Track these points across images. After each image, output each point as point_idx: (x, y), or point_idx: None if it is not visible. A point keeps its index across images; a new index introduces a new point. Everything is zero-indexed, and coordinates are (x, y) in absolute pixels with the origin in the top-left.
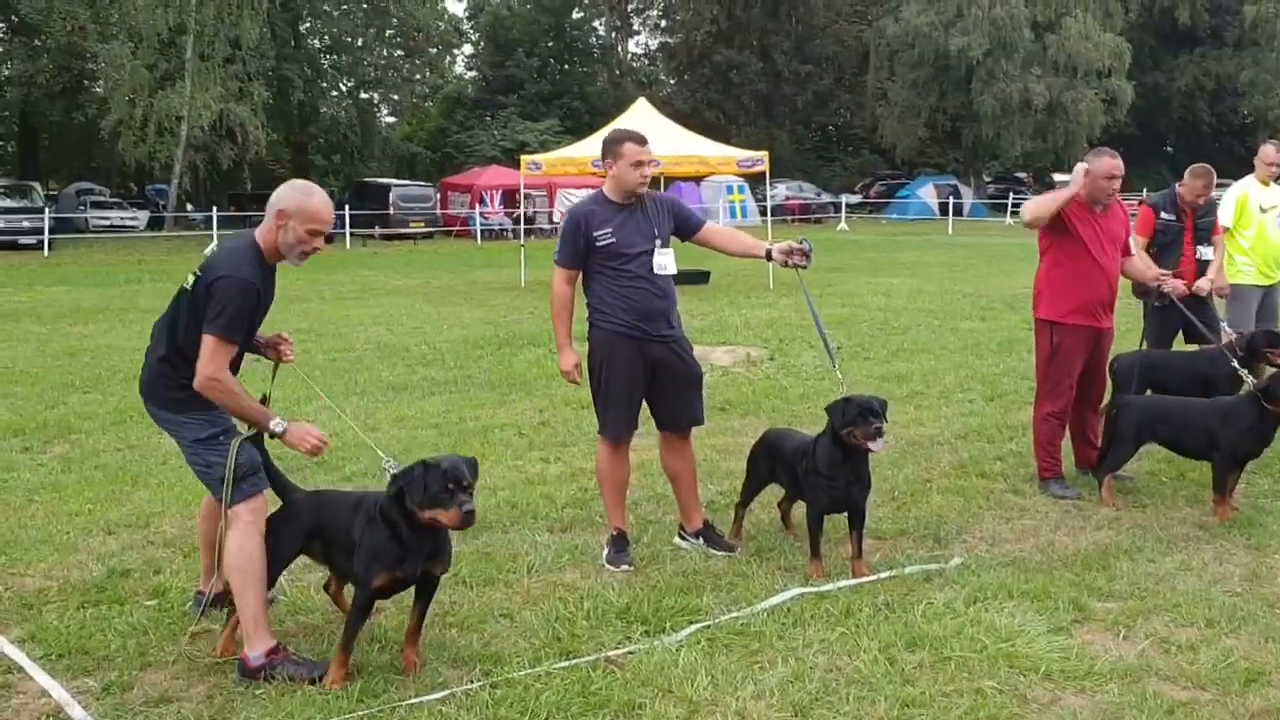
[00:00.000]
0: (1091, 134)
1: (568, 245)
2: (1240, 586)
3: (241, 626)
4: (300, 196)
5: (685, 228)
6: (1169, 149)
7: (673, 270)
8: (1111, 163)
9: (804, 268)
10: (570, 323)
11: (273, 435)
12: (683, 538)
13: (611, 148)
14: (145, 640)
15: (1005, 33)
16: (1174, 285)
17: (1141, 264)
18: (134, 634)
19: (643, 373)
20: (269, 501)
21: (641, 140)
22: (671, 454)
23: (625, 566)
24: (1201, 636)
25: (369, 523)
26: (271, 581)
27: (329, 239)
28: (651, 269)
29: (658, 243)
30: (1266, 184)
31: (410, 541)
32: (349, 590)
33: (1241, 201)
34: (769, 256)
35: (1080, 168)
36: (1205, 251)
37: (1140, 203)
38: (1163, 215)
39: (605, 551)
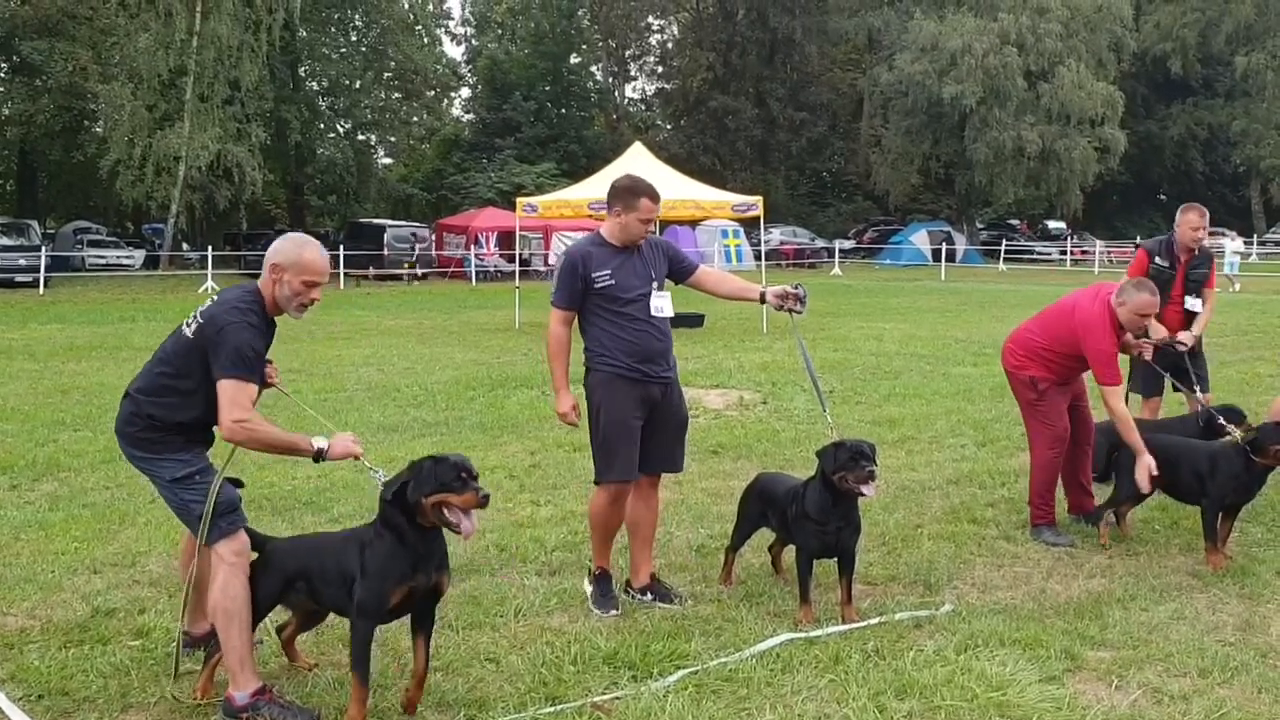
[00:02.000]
0: (1085, 181)
1: (565, 286)
2: (1233, 636)
3: (227, 666)
4: (294, 249)
5: (679, 271)
6: (1162, 197)
7: (669, 313)
8: (1150, 300)
9: (799, 313)
10: (567, 364)
11: (319, 458)
12: (628, 593)
13: (626, 198)
14: (127, 681)
15: (998, 81)
16: (1148, 349)
17: (1129, 339)
18: (116, 675)
19: (641, 415)
20: None
21: (657, 197)
22: (639, 500)
23: (613, 612)
24: (1194, 687)
25: (368, 545)
26: (253, 627)
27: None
28: (649, 311)
29: (654, 285)
30: None
31: (419, 546)
32: (302, 640)
33: None
34: (763, 300)
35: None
36: (1193, 303)
37: (1136, 246)
38: (1156, 260)
39: (590, 591)
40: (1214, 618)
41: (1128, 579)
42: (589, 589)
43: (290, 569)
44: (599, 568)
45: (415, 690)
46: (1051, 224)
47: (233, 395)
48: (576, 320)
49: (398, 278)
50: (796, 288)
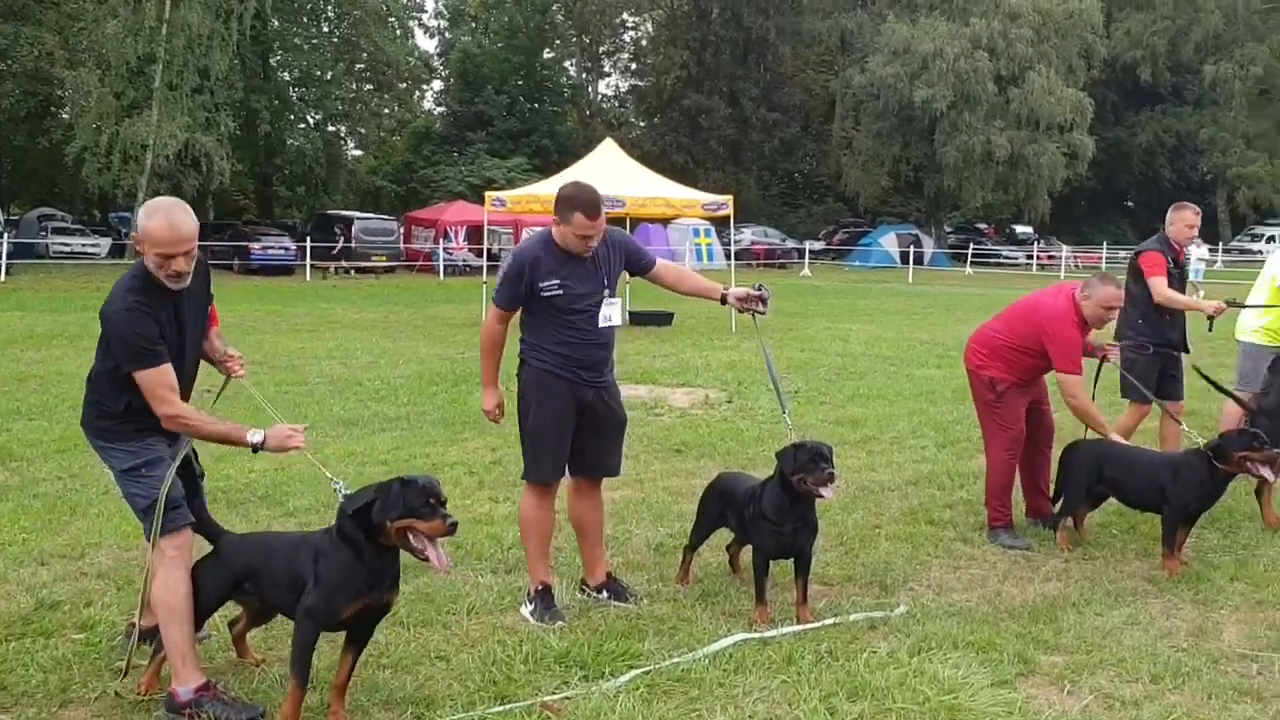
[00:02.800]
0: (1052, 187)
1: (509, 289)
2: (1186, 642)
3: (169, 662)
4: (143, 220)
5: (638, 266)
6: (1130, 203)
7: (619, 322)
8: (1115, 293)
9: (761, 313)
10: (498, 363)
11: (256, 449)
12: (584, 591)
13: (562, 208)
14: (68, 675)
15: (969, 85)
16: (1112, 352)
17: (1090, 339)
18: (57, 669)
19: (573, 415)
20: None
21: (594, 214)
22: (582, 502)
23: (560, 623)
24: (1145, 693)
25: (324, 554)
26: (200, 623)
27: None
28: (598, 322)
29: (606, 293)
30: None
31: (376, 563)
32: (251, 636)
33: (1274, 280)
34: (724, 300)
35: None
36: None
37: (1140, 254)
38: (1169, 261)
39: (530, 608)
40: (1167, 623)
41: (1083, 583)
42: (527, 610)
43: (239, 567)
44: (539, 584)
45: (336, 702)
46: (1019, 228)
47: (149, 388)
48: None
49: (365, 271)
50: (759, 289)
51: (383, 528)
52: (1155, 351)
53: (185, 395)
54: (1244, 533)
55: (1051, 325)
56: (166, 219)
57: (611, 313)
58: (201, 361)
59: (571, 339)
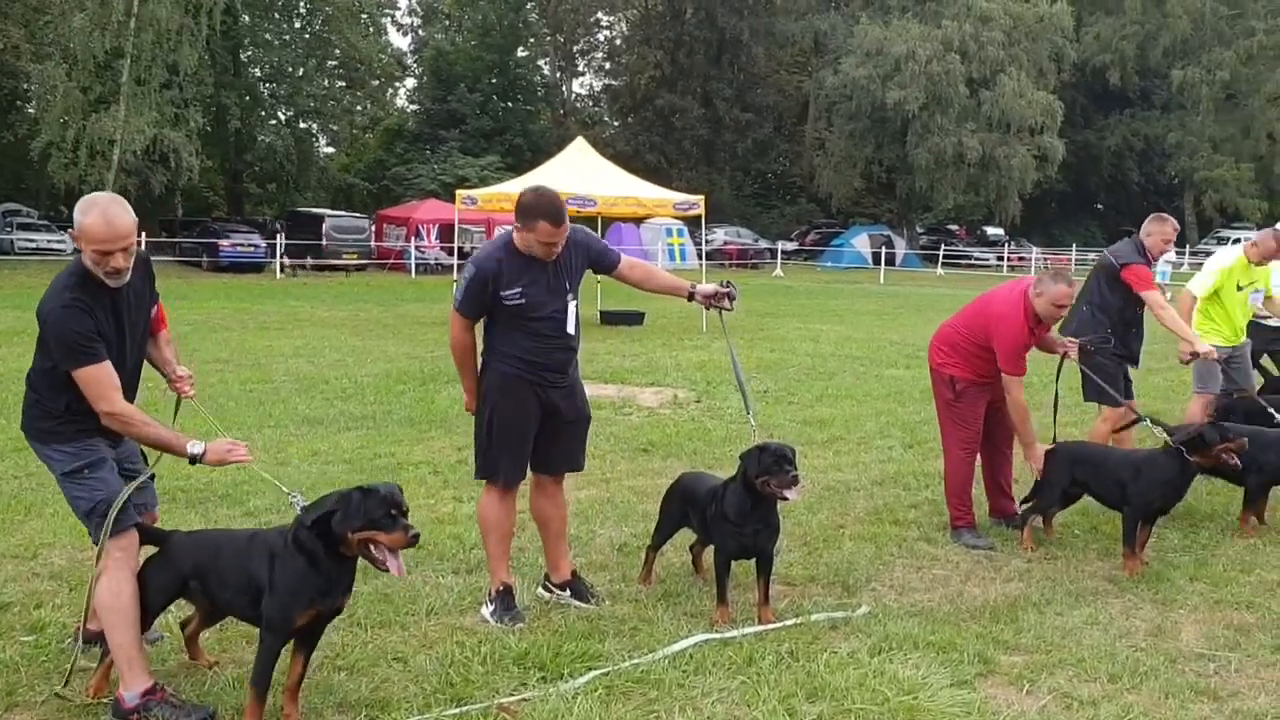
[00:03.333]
0: (1023, 189)
1: (472, 299)
2: (1145, 641)
3: (116, 666)
4: (78, 216)
5: (602, 264)
6: (1099, 206)
7: (577, 327)
8: (1066, 291)
9: (729, 310)
10: (476, 369)
11: (193, 460)
12: (547, 589)
13: (525, 216)
14: (15, 679)
15: (941, 88)
16: (1073, 349)
17: (1052, 337)
18: (4, 671)
19: (536, 416)
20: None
21: (558, 222)
22: (544, 499)
23: (520, 624)
24: (1104, 692)
25: (279, 558)
26: (149, 624)
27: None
28: (562, 329)
29: (569, 297)
30: (1259, 263)
31: (332, 572)
32: (206, 636)
33: (1221, 276)
34: (692, 297)
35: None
36: None
37: (1124, 265)
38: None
39: (490, 609)
40: (1127, 623)
41: (1044, 583)
42: (487, 611)
43: (187, 566)
44: (500, 584)
45: (289, 704)
46: (990, 230)
47: (88, 386)
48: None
49: (336, 268)
50: (726, 285)
51: (343, 538)
52: (1118, 359)
53: (129, 395)
54: (1204, 533)
55: (1000, 324)
56: (103, 215)
57: (573, 318)
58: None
59: (535, 345)
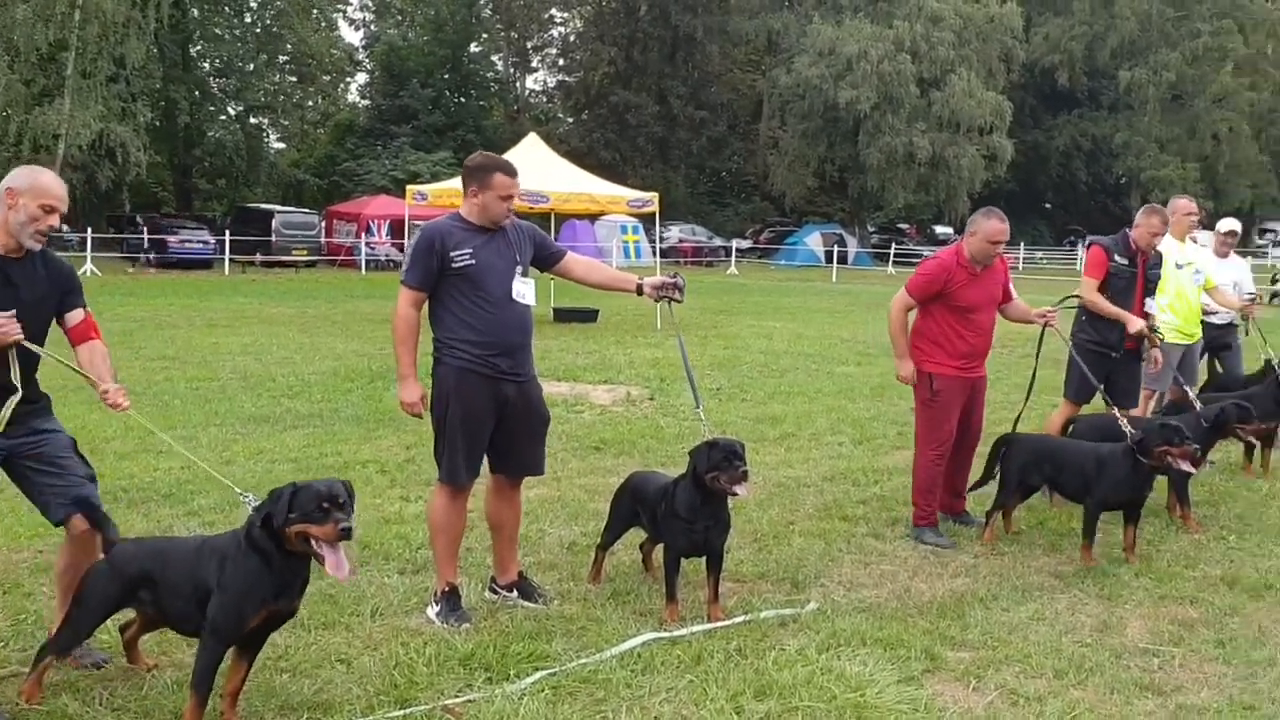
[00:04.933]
0: (972, 188)
1: (419, 264)
2: (1090, 637)
3: None
4: (30, 173)
5: (546, 258)
6: (1047, 205)
7: (532, 301)
8: (1000, 226)
9: (678, 302)
10: (415, 351)
11: None
12: (494, 590)
13: (479, 175)
14: None
15: (892, 88)
16: (1054, 317)
17: (1023, 306)
18: None
19: (492, 413)
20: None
21: (512, 171)
22: (500, 502)
23: (466, 624)
24: (1050, 688)
25: (230, 559)
26: (87, 634)
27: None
28: (511, 295)
29: (519, 269)
30: (1182, 240)
31: (284, 571)
32: (145, 640)
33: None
34: (640, 291)
35: None
36: (1151, 304)
37: (1089, 245)
38: (1116, 259)
39: (436, 610)
40: (1073, 618)
41: (991, 579)
42: (433, 612)
43: (133, 573)
44: (446, 584)
45: (229, 709)
46: (939, 229)
47: None
48: (427, 305)
49: (286, 264)
50: (675, 277)
51: (281, 532)
52: (1097, 353)
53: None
54: (1149, 529)
55: (924, 262)
56: (54, 176)
57: (525, 290)
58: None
59: (486, 321)
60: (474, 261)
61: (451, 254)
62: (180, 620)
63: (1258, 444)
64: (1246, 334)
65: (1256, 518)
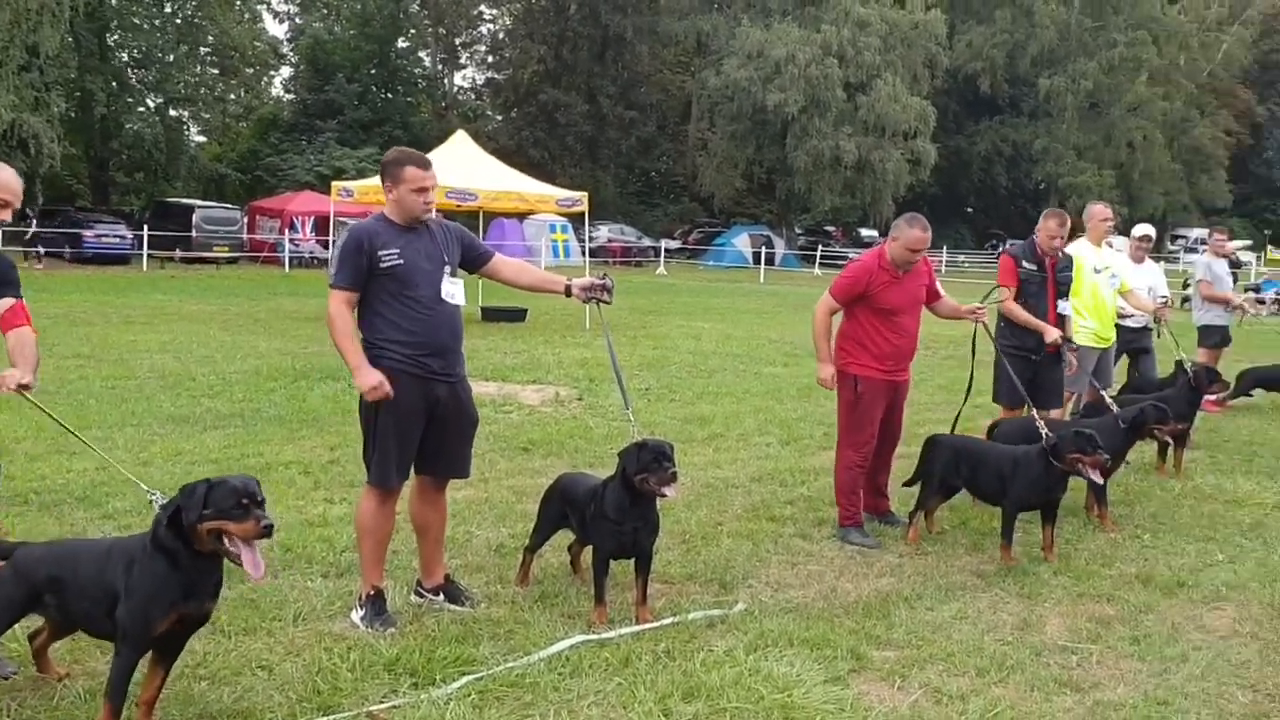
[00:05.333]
0: (897, 192)
1: (348, 264)
2: (1011, 635)
3: None
4: None
5: (473, 259)
6: (969, 209)
7: (461, 301)
8: (922, 236)
9: (607, 303)
10: (359, 342)
11: None
12: (420, 594)
13: (391, 170)
14: None
15: (819, 91)
16: (984, 314)
17: (952, 303)
18: None
19: (424, 414)
20: None
21: (425, 164)
22: (425, 504)
23: (391, 629)
24: (972, 686)
25: (137, 562)
26: None
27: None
28: (440, 295)
29: (447, 269)
30: (1099, 245)
31: (193, 571)
32: (55, 648)
33: (1076, 265)
34: (568, 292)
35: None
36: (1064, 306)
37: (1000, 253)
38: (1024, 265)
39: (361, 614)
40: (994, 617)
41: (916, 578)
42: (357, 616)
43: (39, 577)
44: (371, 588)
45: (144, 718)
46: (865, 232)
47: None
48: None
49: (206, 261)
50: (603, 278)
51: (192, 531)
52: (1018, 357)
53: None
54: (1067, 528)
55: (849, 265)
56: (12, 172)
57: (454, 290)
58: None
59: (416, 322)
60: (402, 261)
61: (380, 253)
62: (89, 626)
63: (1171, 444)
64: (1159, 336)
65: (1169, 517)
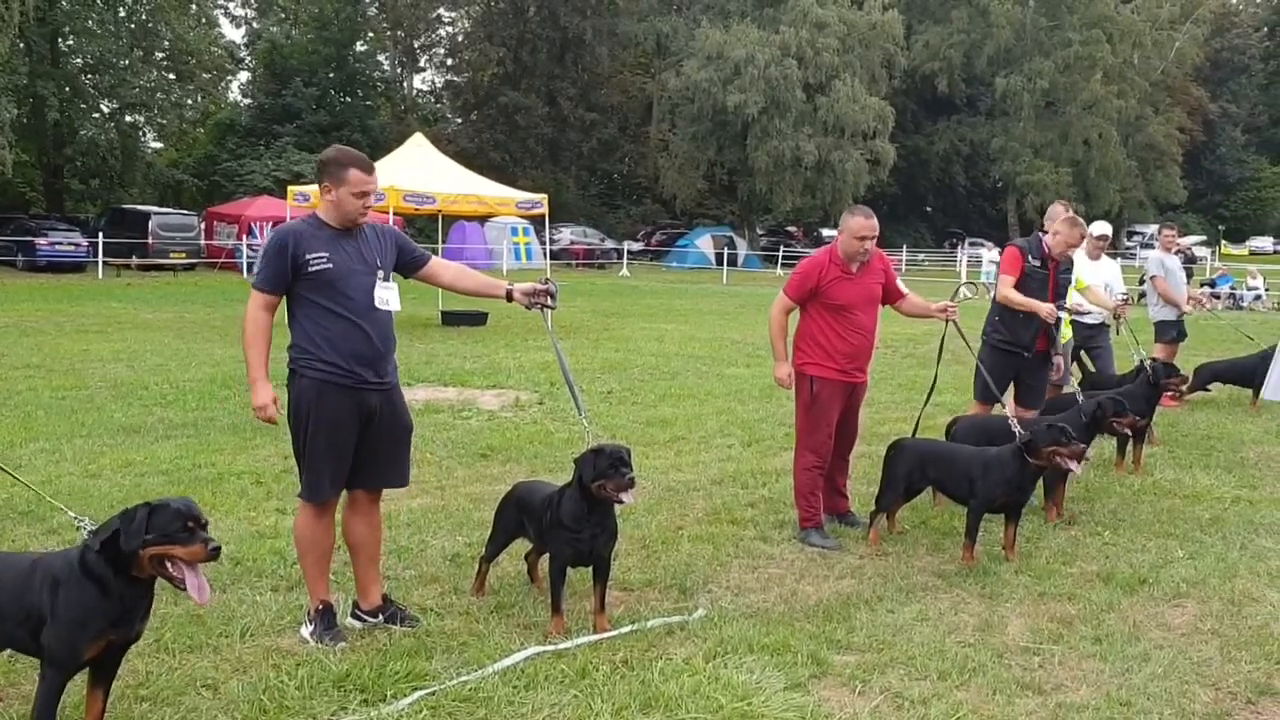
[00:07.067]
0: (857, 192)
1: (269, 266)
2: (973, 637)
3: None
4: None
5: (410, 263)
6: (929, 208)
7: (396, 307)
8: (865, 223)
9: (551, 308)
10: (267, 353)
11: None
12: (357, 617)
13: (332, 170)
14: None
15: (779, 92)
16: (954, 311)
17: (918, 300)
18: None
19: (356, 425)
20: None
21: (369, 167)
22: (358, 518)
23: (341, 644)
24: (934, 690)
25: (63, 585)
26: None
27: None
28: (372, 303)
29: (380, 274)
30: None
31: (125, 598)
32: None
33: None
34: (510, 298)
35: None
36: (1077, 297)
37: (1007, 244)
38: (1029, 260)
39: (310, 629)
40: (956, 618)
41: (876, 580)
42: (307, 631)
43: None
44: (319, 602)
45: None
46: (825, 232)
47: None
48: (286, 314)
49: (163, 268)
50: (546, 283)
51: (134, 557)
52: (1009, 352)
53: None
54: (1028, 526)
55: (800, 263)
56: None
57: (388, 296)
58: None
59: (345, 329)
60: (330, 265)
61: (307, 257)
62: (14, 646)
63: (1130, 439)
64: (1118, 333)
65: (1129, 513)
